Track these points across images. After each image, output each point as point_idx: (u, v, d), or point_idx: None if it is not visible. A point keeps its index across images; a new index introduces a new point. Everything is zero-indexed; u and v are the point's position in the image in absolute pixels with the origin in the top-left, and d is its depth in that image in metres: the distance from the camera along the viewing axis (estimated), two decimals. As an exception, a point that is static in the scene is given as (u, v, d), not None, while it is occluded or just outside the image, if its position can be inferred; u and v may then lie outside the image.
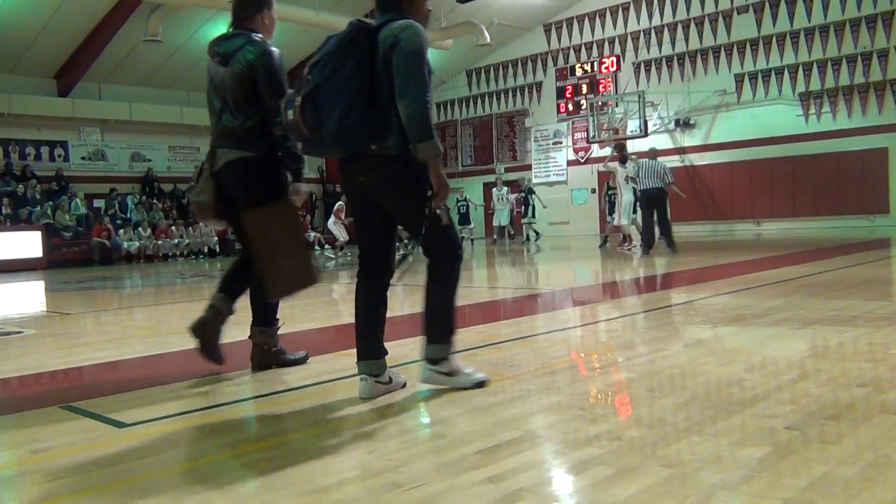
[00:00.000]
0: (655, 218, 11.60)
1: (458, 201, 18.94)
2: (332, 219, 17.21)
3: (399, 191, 2.85)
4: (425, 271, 3.01)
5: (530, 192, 19.25)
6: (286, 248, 3.39)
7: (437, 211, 2.78)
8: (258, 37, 3.46)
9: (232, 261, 3.73)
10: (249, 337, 3.65)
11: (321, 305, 6.90)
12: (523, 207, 19.20)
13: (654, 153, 12.02)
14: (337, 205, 17.61)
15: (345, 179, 2.95)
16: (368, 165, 2.82)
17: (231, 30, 3.52)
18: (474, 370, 3.11)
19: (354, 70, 2.72)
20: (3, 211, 17.43)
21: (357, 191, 2.93)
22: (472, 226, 19.10)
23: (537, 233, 19.24)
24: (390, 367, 3.09)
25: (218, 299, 3.64)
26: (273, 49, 3.41)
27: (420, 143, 2.69)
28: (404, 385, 3.08)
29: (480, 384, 3.01)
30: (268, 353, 3.62)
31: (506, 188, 19.94)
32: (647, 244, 11.58)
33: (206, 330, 3.62)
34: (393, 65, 2.73)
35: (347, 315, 5.94)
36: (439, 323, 3.00)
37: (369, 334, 2.96)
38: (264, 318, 3.64)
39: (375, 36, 2.80)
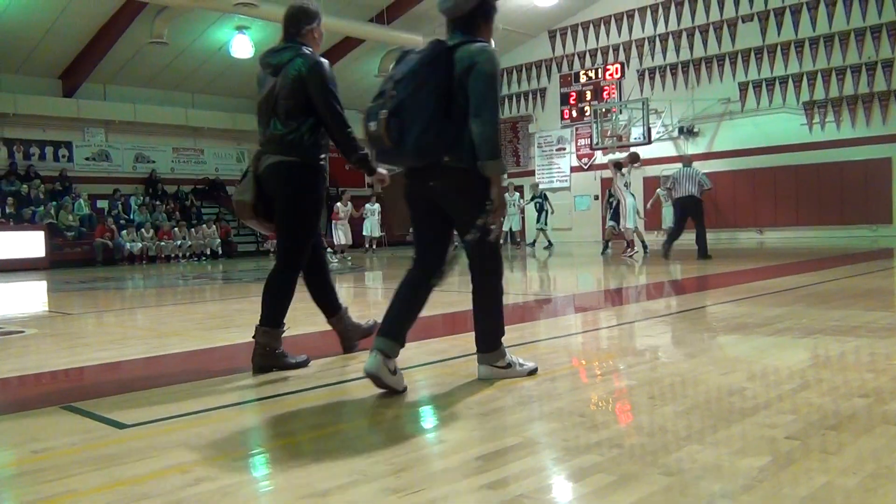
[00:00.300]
0: (678, 225, 11.59)
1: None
2: (332, 223, 17.04)
3: (465, 199, 3.05)
4: (471, 283, 3.25)
5: (544, 197, 19.10)
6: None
7: (491, 226, 2.98)
8: (308, 49, 3.65)
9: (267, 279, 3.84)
10: (253, 337, 3.68)
11: (323, 309, 6.90)
12: (537, 213, 18.99)
13: (689, 160, 11.97)
14: (335, 206, 17.56)
15: (412, 185, 3.16)
16: (440, 174, 3.02)
17: (282, 42, 3.72)
18: (525, 361, 3.37)
19: (435, 88, 2.92)
20: (7, 210, 17.46)
21: (425, 195, 3.14)
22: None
23: (549, 241, 19.08)
24: (400, 369, 3.15)
25: (263, 332, 3.68)
26: (323, 60, 3.62)
27: (489, 160, 2.93)
28: (404, 389, 3.10)
29: (532, 372, 3.31)
30: (269, 354, 3.64)
31: (517, 194, 19.92)
32: (667, 250, 11.53)
33: (261, 357, 3.71)
34: (469, 86, 2.93)
35: (349, 319, 5.94)
36: (487, 331, 3.22)
37: (403, 318, 3.11)
38: (272, 319, 3.67)
39: (452, 55, 2.98)
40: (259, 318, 3.67)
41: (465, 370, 3.57)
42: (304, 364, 3.75)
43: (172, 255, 19.09)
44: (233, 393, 3.32)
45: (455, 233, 3.26)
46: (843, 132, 18.33)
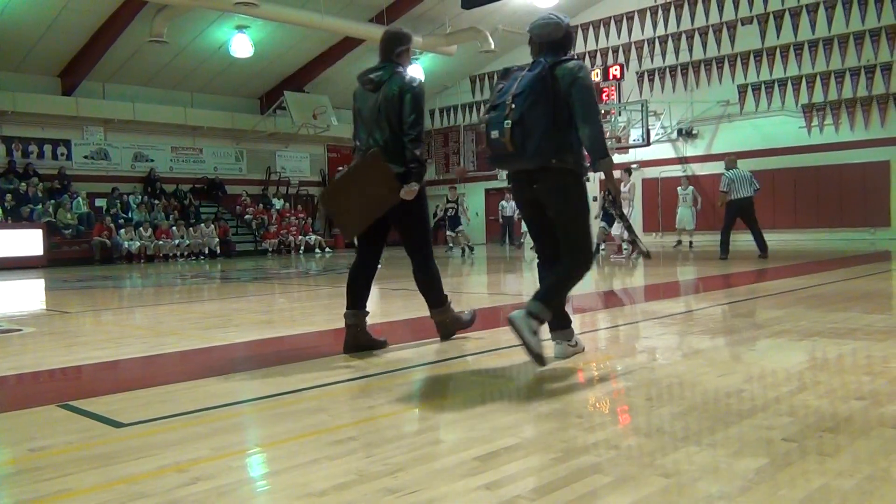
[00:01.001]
0: (731, 225, 11.64)
1: (447, 201, 17.88)
2: None
3: (567, 196, 3.50)
4: (556, 266, 3.62)
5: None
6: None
7: (605, 204, 3.84)
8: (402, 69, 4.21)
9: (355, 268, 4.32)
10: (346, 322, 4.11)
11: (320, 309, 6.91)
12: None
13: (735, 161, 12.02)
14: None
15: (519, 186, 3.63)
16: (546, 176, 3.47)
17: (380, 62, 4.23)
18: (572, 342, 3.84)
19: (547, 102, 3.37)
20: (6, 208, 17.43)
21: (530, 197, 3.61)
22: (461, 228, 17.10)
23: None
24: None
25: (353, 314, 4.15)
26: (416, 78, 4.16)
27: (601, 159, 3.45)
28: (583, 349, 3.86)
29: (581, 348, 3.87)
30: (360, 333, 4.13)
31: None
32: (726, 250, 11.62)
33: (353, 333, 4.14)
34: (573, 97, 3.39)
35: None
36: (544, 299, 3.51)
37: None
38: (361, 304, 4.16)
39: (554, 72, 3.43)
40: (361, 305, 4.20)
41: (462, 370, 3.57)
42: (383, 345, 4.23)
43: (171, 255, 19.07)
44: (230, 392, 3.32)
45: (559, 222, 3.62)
46: (842, 135, 18.35)
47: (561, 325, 3.76)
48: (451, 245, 17.50)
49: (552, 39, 3.58)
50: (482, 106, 25.46)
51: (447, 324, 4.38)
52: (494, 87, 3.63)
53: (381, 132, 4.04)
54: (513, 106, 3.36)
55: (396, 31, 4.32)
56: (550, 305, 3.48)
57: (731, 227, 11.67)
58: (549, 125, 3.35)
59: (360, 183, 4.00)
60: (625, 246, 13.88)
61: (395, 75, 4.08)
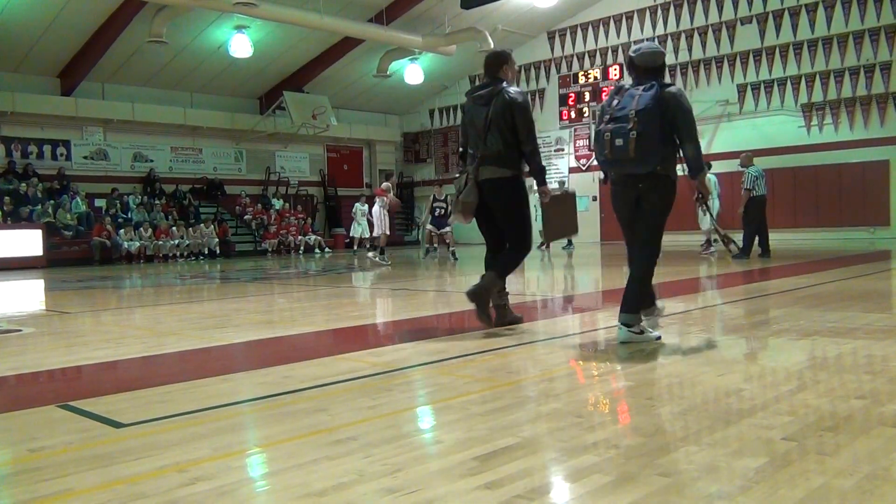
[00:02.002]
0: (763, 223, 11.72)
1: (434, 199, 17.09)
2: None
3: (662, 197, 4.18)
4: (634, 261, 4.30)
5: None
6: (565, 218, 5.26)
7: (704, 209, 4.26)
8: (506, 85, 4.78)
9: (486, 252, 5.11)
10: (493, 303, 4.79)
11: (320, 309, 6.91)
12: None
13: (751, 158, 12.03)
14: (354, 206, 18.19)
15: (624, 186, 4.22)
16: (650, 180, 4.11)
17: (485, 79, 4.85)
18: (654, 330, 4.28)
19: (661, 120, 4.00)
20: (5, 209, 17.42)
21: (634, 196, 4.20)
22: (448, 229, 15.61)
23: (570, 241, 18.72)
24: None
25: (485, 276, 4.83)
26: (522, 92, 4.78)
27: (699, 171, 4.23)
28: (658, 338, 4.18)
29: (658, 338, 4.21)
30: (505, 310, 4.85)
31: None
32: (748, 250, 11.63)
33: (481, 297, 4.77)
34: (678, 119, 4.05)
35: (345, 318, 5.94)
36: (632, 297, 4.17)
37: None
38: (500, 276, 4.82)
39: (659, 94, 4.04)
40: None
41: (462, 370, 3.58)
42: (520, 320, 4.99)
43: (170, 255, 19.06)
44: (230, 392, 3.32)
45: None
46: (841, 134, 18.35)
47: (627, 310, 4.21)
48: (434, 246, 16.12)
49: (655, 66, 4.22)
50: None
51: (505, 311, 4.95)
52: (608, 102, 4.18)
53: (493, 142, 4.69)
54: (636, 120, 3.97)
55: (499, 51, 4.99)
56: (637, 307, 4.21)
57: (765, 223, 11.66)
58: (661, 139, 4.02)
59: (562, 209, 5.07)
60: (714, 239, 14.01)
61: (502, 91, 4.70)
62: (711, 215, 4.99)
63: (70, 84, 19.93)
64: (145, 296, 9.30)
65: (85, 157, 20.75)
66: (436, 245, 16.39)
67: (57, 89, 20.01)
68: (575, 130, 23.10)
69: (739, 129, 19.77)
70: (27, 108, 19.10)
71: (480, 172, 4.76)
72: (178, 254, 19.24)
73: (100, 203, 19.91)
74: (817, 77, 18.61)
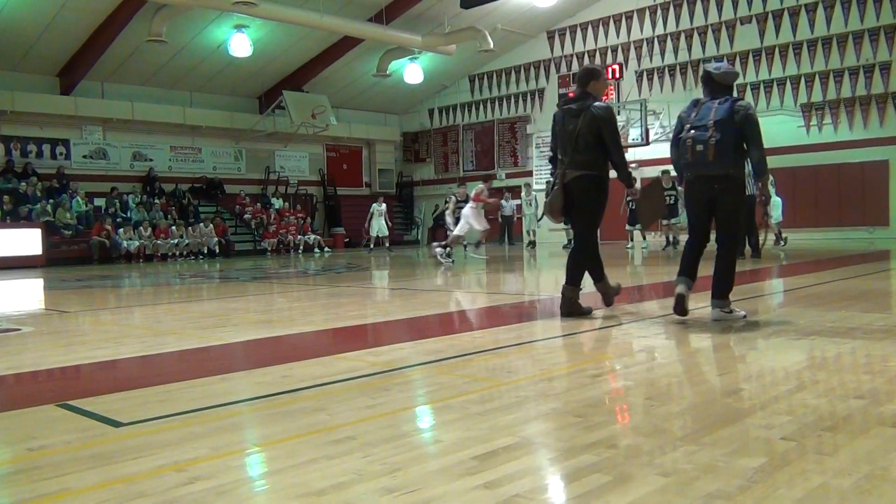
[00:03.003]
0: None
1: (456, 201, 17.67)
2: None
3: (735, 197, 4.84)
4: (719, 247, 4.95)
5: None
6: (656, 204, 5.96)
7: (764, 211, 5.14)
8: (594, 97, 5.30)
9: (568, 253, 5.73)
10: (561, 293, 5.38)
11: (319, 309, 6.91)
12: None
13: None
14: (371, 206, 18.96)
15: (701, 186, 4.84)
16: (724, 181, 4.76)
17: (577, 93, 5.37)
18: (741, 309, 4.97)
19: (734, 130, 4.67)
20: (4, 208, 17.41)
21: (709, 195, 4.84)
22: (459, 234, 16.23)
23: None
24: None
25: (568, 288, 5.39)
26: (609, 106, 5.34)
27: (763, 175, 4.90)
28: (744, 316, 4.87)
29: (744, 316, 4.90)
30: (573, 302, 5.34)
31: (535, 194, 19.66)
32: (742, 250, 11.55)
33: (568, 305, 5.36)
34: (746, 128, 4.67)
35: (345, 318, 5.94)
36: (722, 282, 4.88)
37: (692, 266, 5.06)
38: (574, 280, 5.39)
39: (733, 107, 4.70)
40: (565, 279, 5.38)
41: (461, 370, 3.57)
42: (589, 312, 5.38)
43: (169, 254, 19.05)
44: (229, 392, 3.32)
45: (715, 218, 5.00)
46: (841, 134, 18.35)
47: (719, 294, 4.90)
48: (462, 244, 16.83)
49: (729, 84, 4.93)
50: (481, 105, 25.47)
51: (573, 303, 5.38)
52: (687, 113, 4.91)
53: (582, 149, 5.20)
54: (714, 129, 4.66)
55: (591, 67, 5.52)
56: (728, 289, 4.88)
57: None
58: (735, 145, 4.67)
59: (651, 197, 5.75)
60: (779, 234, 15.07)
61: (592, 105, 5.20)
62: (766, 214, 5.64)
63: (69, 83, 19.92)
64: (144, 295, 9.29)
65: (84, 157, 20.73)
66: (462, 244, 16.82)
67: (56, 88, 19.99)
68: (574, 130, 23.08)
69: (739, 129, 19.73)
70: (26, 107, 19.08)
71: (566, 175, 5.31)
72: (177, 253, 19.23)
73: (99, 202, 19.89)
74: (817, 77, 18.61)
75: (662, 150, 20.76)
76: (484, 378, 3.41)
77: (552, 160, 5.54)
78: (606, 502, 1.84)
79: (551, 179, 5.57)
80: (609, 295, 5.61)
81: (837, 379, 3.16)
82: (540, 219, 13.38)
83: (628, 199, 13.43)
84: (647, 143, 20.09)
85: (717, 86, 4.87)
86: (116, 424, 2.73)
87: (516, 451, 2.27)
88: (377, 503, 1.89)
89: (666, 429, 2.47)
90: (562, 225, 18.31)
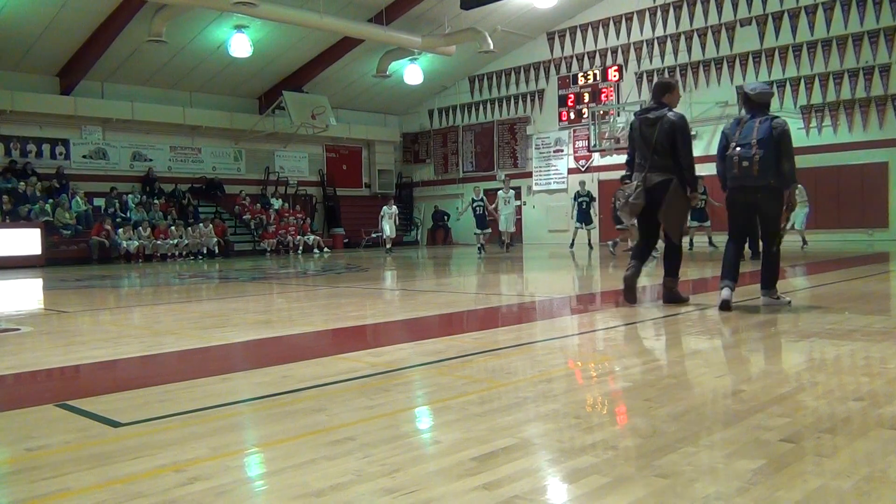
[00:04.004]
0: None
1: (472, 200, 18.41)
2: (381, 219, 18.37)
3: (775, 203, 5.48)
4: (764, 246, 5.71)
5: (591, 197, 18.44)
6: (681, 215, 5.96)
7: (788, 217, 5.71)
8: (670, 110, 5.85)
9: (637, 242, 6.41)
10: (662, 283, 6.06)
11: (319, 309, 6.91)
12: (577, 213, 18.25)
13: None
14: (382, 208, 19.56)
15: (745, 195, 5.50)
16: (766, 190, 5.41)
17: (652, 103, 5.98)
18: (785, 296, 5.77)
19: (774, 146, 5.31)
20: (3, 208, 17.41)
21: (751, 201, 5.50)
22: (489, 230, 18.25)
23: (590, 243, 18.38)
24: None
25: (633, 265, 6.01)
26: (682, 115, 5.85)
27: (792, 183, 5.45)
28: (789, 303, 5.66)
29: (788, 303, 5.65)
30: (673, 291, 5.98)
31: (513, 192, 19.76)
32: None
33: (630, 282, 5.99)
34: (782, 144, 5.33)
35: (344, 318, 5.94)
36: (771, 274, 5.64)
37: (734, 267, 5.65)
38: (671, 272, 6.03)
39: (772, 125, 5.35)
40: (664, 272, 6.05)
41: (461, 371, 3.57)
42: (687, 300, 6.02)
43: (169, 254, 19.05)
44: (228, 392, 3.32)
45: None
46: (841, 136, 18.36)
47: (768, 284, 5.63)
48: (481, 243, 17.77)
49: (766, 102, 5.58)
50: (481, 106, 25.48)
51: (673, 291, 6.00)
52: (731, 131, 5.55)
53: (659, 155, 5.77)
54: (757, 146, 5.31)
55: (666, 81, 6.10)
56: (774, 281, 5.62)
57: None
58: (775, 159, 5.30)
59: (674, 204, 5.83)
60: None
61: (666, 116, 5.77)
62: (787, 219, 6.09)
63: (69, 83, 19.91)
64: (144, 295, 9.29)
65: (84, 156, 20.73)
66: (481, 243, 17.41)
67: (56, 88, 19.99)
68: (574, 131, 23.09)
69: (738, 131, 19.74)
70: (26, 107, 19.08)
71: (648, 179, 5.83)
72: (176, 253, 19.22)
73: (98, 202, 19.89)
74: (816, 79, 18.62)
75: (662, 151, 20.78)
76: (483, 379, 3.41)
77: (629, 164, 6.11)
78: (605, 504, 1.84)
79: (625, 180, 6.20)
80: (672, 292, 6.04)
81: (836, 381, 3.16)
82: (614, 217, 13.82)
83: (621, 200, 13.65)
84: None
85: (754, 105, 5.52)
86: (115, 424, 2.73)
87: (515, 452, 2.27)
88: (376, 503, 1.89)
89: (665, 430, 2.47)
90: (574, 225, 18.79)
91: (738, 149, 5.40)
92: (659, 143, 5.74)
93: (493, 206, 17.95)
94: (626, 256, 12.84)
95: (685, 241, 15.22)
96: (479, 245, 17.67)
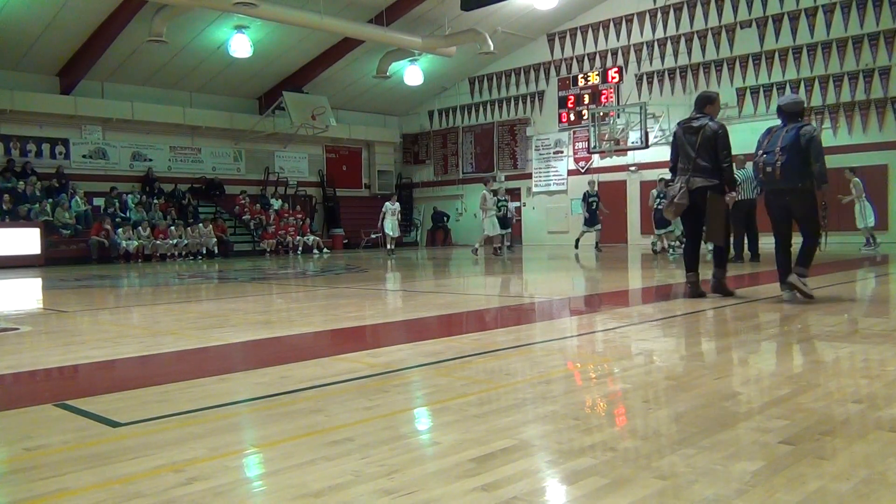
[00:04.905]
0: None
1: (498, 201, 18.49)
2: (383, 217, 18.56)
3: (807, 204, 6.01)
4: (803, 240, 6.10)
5: (598, 197, 18.31)
6: (721, 220, 6.42)
7: (823, 214, 6.13)
8: (712, 119, 6.46)
9: (686, 245, 6.98)
10: (712, 274, 6.63)
11: (318, 310, 6.90)
12: (586, 215, 18.10)
13: (743, 162, 11.97)
14: (385, 205, 19.31)
15: (776, 197, 6.07)
16: (794, 192, 5.93)
17: (694, 113, 6.56)
18: (807, 287, 6.03)
19: (799, 151, 5.82)
20: (3, 207, 17.40)
21: (782, 203, 6.05)
22: (510, 230, 18.76)
23: (598, 244, 18.33)
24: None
25: (692, 275, 6.63)
26: (723, 124, 6.45)
27: (823, 184, 5.91)
28: (811, 297, 5.95)
29: (811, 293, 6.00)
30: (720, 283, 6.57)
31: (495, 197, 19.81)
32: (740, 254, 11.58)
33: (694, 288, 6.57)
34: (812, 149, 5.83)
35: (343, 319, 5.94)
36: (805, 258, 6.05)
37: (787, 262, 6.13)
38: (719, 265, 6.62)
39: (799, 132, 5.85)
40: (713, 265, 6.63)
41: (459, 372, 3.57)
42: (733, 293, 6.58)
43: (168, 254, 19.05)
44: (227, 392, 3.32)
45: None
46: (840, 139, 18.36)
47: (802, 263, 6.08)
48: (500, 245, 17.56)
49: (796, 111, 6.10)
50: (481, 108, 25.49)
51: (721, 283, 6.58)
52: (762, 139, 6.10)
53: (702, 160, 6.34)
54: (780, 153, 5.85)
55: (708, 93, 6.73)
56: (809, 265, 6.07)
57: (742, 228, 11.54)
58: (801, 164, 5.79)
59: (713, 212, 6.36)
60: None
61: (707, 126, 6.37)
62: (824, 217, 6.32)
63: (69, 83, 19.92)
64: (143, 295, 9.29)
65: (84, 156, 20.73)
66: (501, 244, 17.38)
67: (56, 88, 19.99)
68: (574, 133, 23.10)
69: (738, 133, 19.58)
70: (26, 107, 19.08)
71: (692, 182, 6.41)
72: (176, 253, 19.22)
73: (98, 202, 19.88)
74: (816, 81, 18.63)
75: (662, 153, 20.81)
76: (482, 380, 3.41)
77: (672, 169, 6.73)
78: (604, 505, 1.84)
79: (672, 184, 6.72)
80: (720, 283, 6.56)
81: (835, 383, 3.16)
82: (656, 220, 14.12)
83: (659, 199, 13.94)
84: (647, 147, 20.11)
85: (788, 115, 6.06)
86: (114, 424, 2.73)
87: (514, 453, 2.27)
88: (375, 505, 1.89)
89: (663, 432, 2.47)
90: (582, 228, 18.84)
91: (763, 156, 5.97)
92: (701, 148, 6.33)
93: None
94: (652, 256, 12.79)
95: (664, 245, 15.55)
96: (496, 246, 17.31)
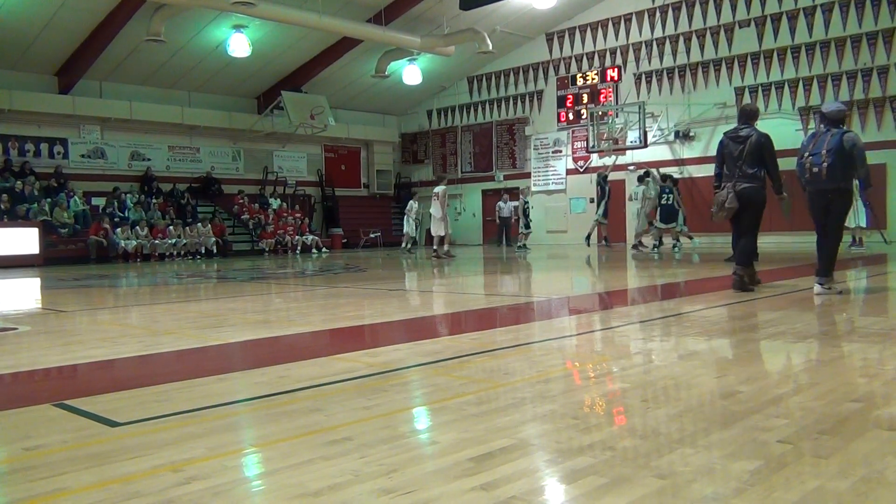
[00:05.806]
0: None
1: (525, 203, 19.55)
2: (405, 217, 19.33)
3: (843, 201, 6.50)
4: (825, 236, 6.54)
5: (605, 178, 18.97)
6: (755, 219, 7.06)
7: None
8: (757, 130, 6.98)
9: (734, 240, 7.34)
10: (733, 272, 7.04)
11: (317, 309, 6.90)
12: (601, 208, 18.71)
13: None
14: (409, 203, 19.89)
15: (819, 196, 6.42)
16: (836, 192, 6.36)
17: (739, 124, 7.09)
18: (838, 287, 6.51)
19: (843, 154, 6.23)
20: (2, 207, 17.39)
21: (822, 202, 6.43)
22: (531, 230, 19.83)
23: (607, 239, 18.87)
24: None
25: (739, 268, 6.99)
26: (767, 134, 6.97)
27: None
28: (840, 293, 6.40)
29: (840, 292, 6.43)
30: (742, 280, 6.90)
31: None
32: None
33: (740, 283, 6.92)
34: (854, 153, 6.27)
35: (342, 319, 5.94)
36: (826, 263, 6.47)
37: (827, 258, 6.53)
38: (743, 261, 7.01)
39: (842, 138, 6.27)
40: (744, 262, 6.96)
41: (458, 371, 3.57)
42: (752, 288, 6.92)
43: (167, 254, 19.03)
44: (226, 392, 3.32)
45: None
46: (839, 138, 18.36)
47: (825, 274, 6.47)
48: (521, 243, 19.16)
49: (839, 119, 6.48)
50: (480, 107, 25.49)
51: (744, 279, 6.89)
52: (807, 142, 6.53)
53: (747, 167, 6.88)
54: (827, 155, 6.25)
55: (754, 108, 7.35)
56: (829, 270, 6.46)
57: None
58: (845, 166, 6.24)
59: (749, 212, 6.91)
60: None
61: (753, 134, 6.90)
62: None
63: (68, 82, 19.89)
64: (142, 295, 9.28)
65: (82, 156, 20.70)
66: (521, 243, 18.27)
67: (54, 87, 19.96)
68: (573, 132, 23.10)
69: (737, 132, 19.75)
70: (24, 106, 19.05)
71: (738, 185, 6.90)
72: (174, 253, 19.20)
73: (97, 202, 19.86)
74: (815, 80, 18.64)
75: (661, 152, 20.85)
76: (481, 379, 3.41)
77: (717, 175, 7.18)
78: (603, 504, 1.84)
79: (717, 188, 7.16)
80: (741, 280, 6.89)
81: (834, 382, 3.16)
82: (712, 217, 14.54)
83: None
84: (646, 146, 20.12)
85: (829, 121, 6.47)
86: (113, 424, 2.73)
87: (513, 452, 2.27)
88: (374, 504, 1.89)
89: (662, 431, 2.48)
90: (596, 219, 19.30)
91: (810, 157, 6.39)
92: (748, 156, 6.87)
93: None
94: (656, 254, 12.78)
95: (654, 241, 15.95)
96: (520, 244, 19.36)
